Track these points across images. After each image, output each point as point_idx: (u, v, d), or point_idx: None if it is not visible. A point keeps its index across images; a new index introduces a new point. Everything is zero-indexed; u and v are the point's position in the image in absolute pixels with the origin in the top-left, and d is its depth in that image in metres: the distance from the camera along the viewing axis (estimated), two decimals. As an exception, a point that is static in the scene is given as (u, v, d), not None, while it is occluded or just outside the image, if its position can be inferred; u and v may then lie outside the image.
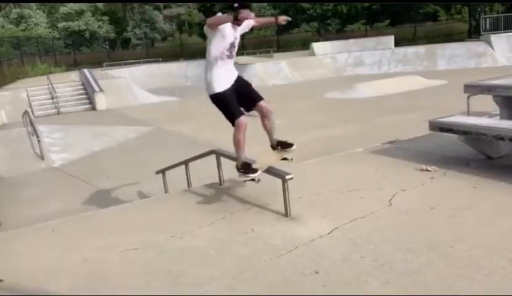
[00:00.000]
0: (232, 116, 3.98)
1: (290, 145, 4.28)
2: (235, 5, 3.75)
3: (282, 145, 4.29)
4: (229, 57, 4.00)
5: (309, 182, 4.60)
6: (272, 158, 4.25)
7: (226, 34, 3.89)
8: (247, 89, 4.16)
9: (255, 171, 3.98)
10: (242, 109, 4.03)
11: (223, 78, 4.01)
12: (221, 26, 3.84)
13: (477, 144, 4.77)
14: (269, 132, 4.27)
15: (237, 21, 3.82)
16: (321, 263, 2.98)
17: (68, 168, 10.11)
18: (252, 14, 3.84)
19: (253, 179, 4.05)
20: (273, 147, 4.33)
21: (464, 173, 4.44)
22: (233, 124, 3.98)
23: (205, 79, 4.07)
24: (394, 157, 5.22)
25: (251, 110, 4.17)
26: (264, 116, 4.17)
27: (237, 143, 3.99)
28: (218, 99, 4.05)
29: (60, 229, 4.12)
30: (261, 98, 4.11)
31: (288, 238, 3.38)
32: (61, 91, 20.32)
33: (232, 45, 3.97)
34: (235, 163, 4.15)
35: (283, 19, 4.22)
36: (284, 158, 4.32)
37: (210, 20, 3.87)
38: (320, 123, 12.04)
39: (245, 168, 4.01)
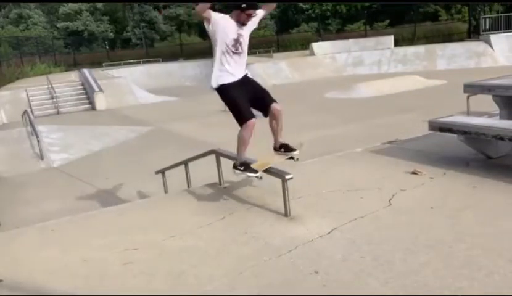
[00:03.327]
0: (240, 116, 3.96)
1: (293, 149, 4.25)
2: (243, 5, 3.85)
3: (285, 149, 4.26)
4: (236, 53, 4.00)
5: (309, 182, 4.60)
6: (272, 159, 4.22)
7: (227, 30, 3.92)
8: (257, 90, 4.16)
9: (254, 171, 3.99)
10: (251, 110, 4.00)
11: (227, 72, 4.01)
12: (219, 23, 3.90)
13: (477, 144, 4.77)
14: (275, 133, 4.24)
15: (241, 19, 3.93)
16: (321, 262, 2.98)
17: (68, 168, 10.11)
18: (258, 11, 4.06)
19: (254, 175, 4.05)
20: (275, 149, 4.31)
21: (464, 173, 4.44)
22: (241, 124, 3.96)
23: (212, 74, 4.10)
24: (394, 157, 5.22)
25: (263, 111, 4.15)
26: (274, 117, 4.13)
27: (241, 141, 4.00)
28: (223, 93, 4.07)
29: (60, 229, 4.12)
30: (272, 101, 4.10)
31: (288, 238, 3.38)
32: (60, 91, 20.33)
33: (236, 41, 3.97)
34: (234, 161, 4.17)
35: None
36: (291, 158, 4.28)
37: (197, 9, 3.93)
38: (320, 122, 12.05)
39: (245, 166, 4.03)
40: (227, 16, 3.99)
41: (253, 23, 4.10)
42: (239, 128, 4.01)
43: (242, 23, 3.96)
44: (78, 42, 42.53)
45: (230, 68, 4.00)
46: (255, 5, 3.97)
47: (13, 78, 25.63)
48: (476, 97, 6.62)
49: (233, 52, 3.99)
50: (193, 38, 45.16)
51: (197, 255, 3.27)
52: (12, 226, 5.26)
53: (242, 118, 3.95)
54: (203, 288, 2.82)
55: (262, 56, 31.51)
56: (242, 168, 4.04)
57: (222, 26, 3.90)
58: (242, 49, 4.03)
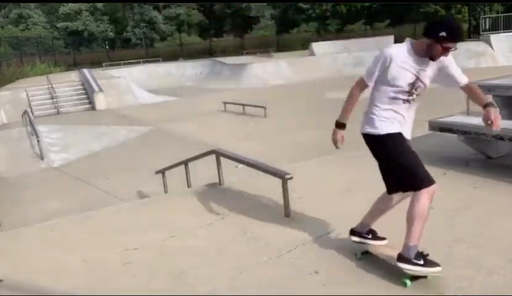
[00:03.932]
0: (417, 179, 2.64)
1: (384, 238, 3.07)
2: (442, 34, 2.56)
3: (373, 236, 3.07)
4: (406, 101, 2.74)
5: (309, 182, 4.60)
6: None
7: (399, 71, 2.71)
8: None
9: (435, 264, 2.61)
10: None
11: (394, 121, 2.78)
12: (383, 71, 2.77)
13: (477, 144, 4.77)
14: (378, 214, 3.12)
15: (432, 52, 2.66)
16: (321, 262, 2.98)
17: (68, 168, 10.10)
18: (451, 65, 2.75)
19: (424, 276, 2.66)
20: (358, 233, 3.09)
21: (464, 173, 4.44)
22: (414, 189, 2.65)
23: (364, 119, 2.93)
24: (394, 157, 5.21)
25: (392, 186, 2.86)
26: (398, 201, 2.97)
27: (421, 217, 2.60)
28: (387, 141, 2.77)
29: (60, 229, 4.12)
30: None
31: (288, 238, 3.38)
32: (60, 91, 20.33)
33: (412, 86, 2.72)
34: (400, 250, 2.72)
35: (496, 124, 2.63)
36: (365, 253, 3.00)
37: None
38: (320, 122, 12.01)
39: (424, 259, 2.62)
40: (399, 50, 2.80)
41: (437, 64, 2.74)
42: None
43: (430, 58, 2.68)
44: (78, 42, 42.57)
45: (394, 119, 2.77)
46: (461, 36, 2.64)
47: (13, 78, 25.62)
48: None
49: (404, 100, 2.74)
50: (193, 38, 45.24)
51: (197, 255, 3.27)
52: (12, 226, 5.26)
53: (418, 181, 2.63)
54: (203, 288, 2.82)
55: (262, 56, 31.56)
56: (421, 263, 2.59)
57: (390, 70, 2.73)
58: (417, 95, 2.75)
